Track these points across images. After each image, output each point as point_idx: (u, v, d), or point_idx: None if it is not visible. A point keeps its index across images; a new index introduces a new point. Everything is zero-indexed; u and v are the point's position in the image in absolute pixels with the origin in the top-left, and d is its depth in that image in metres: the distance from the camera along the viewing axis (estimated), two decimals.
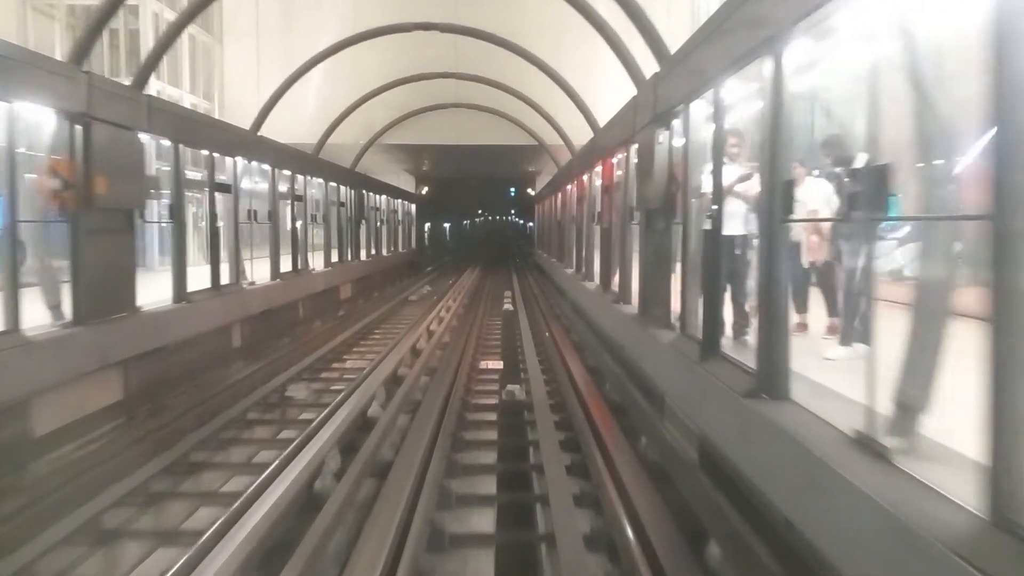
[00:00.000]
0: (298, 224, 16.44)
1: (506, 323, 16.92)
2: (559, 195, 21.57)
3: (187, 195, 12.45)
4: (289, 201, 16.29)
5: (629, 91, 9.66)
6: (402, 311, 20.34)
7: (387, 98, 21.82)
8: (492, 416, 9.07)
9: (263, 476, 6.27)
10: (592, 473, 6.59)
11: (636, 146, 8.93)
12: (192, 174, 14.13)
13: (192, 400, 9.15)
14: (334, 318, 18.31)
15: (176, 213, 10.71)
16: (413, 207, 41.26)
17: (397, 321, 18.19)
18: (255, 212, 13.91)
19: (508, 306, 20.39)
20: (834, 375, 4.74)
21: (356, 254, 23.39)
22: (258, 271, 14.34)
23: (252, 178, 15.04)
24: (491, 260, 44.65)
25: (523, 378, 10.45)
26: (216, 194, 12.10)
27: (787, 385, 4.35)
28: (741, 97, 5.74)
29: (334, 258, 20.29)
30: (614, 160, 11.16)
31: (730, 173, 6.16)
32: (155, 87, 18.96)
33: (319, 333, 15.44)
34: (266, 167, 14.95)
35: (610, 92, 13.80)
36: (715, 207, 5.81)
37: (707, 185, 6.14)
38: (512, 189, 62.30)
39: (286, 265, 15.68)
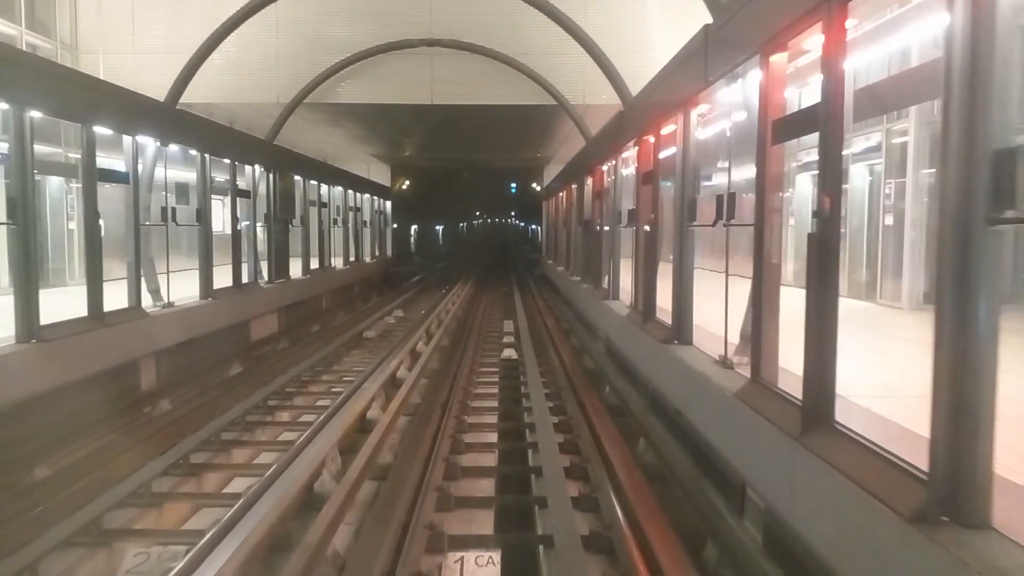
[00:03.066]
0: (101, 224, 8.52)
1: (506, 410, 9.23)
2: (588, 181, 14.03)
3: None
4: (88, 180, 8.43)
5: None
6: (343, 362, 12.72)
7: (330, 39, 14.53)
8: None
9: None
10: None
11: None
12: None
13: None
14: (219, 384, 10.78)
15: None
16: (388, 204, 33.01)
17: (327, 389, 10.78)
18: None
19: (510, 352, 13.33)
20: None
21: (282, 270, 15.60)
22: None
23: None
24: (488, 270, 37.20)
25: None
26: None
27: None
28: None
29: (224, 281, 12.35)
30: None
31: None
32: None
33: (155, 433, 7.80)
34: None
35: None
36: None
37: None
38: (513, 185, 54.46)
39: (74, 305, 7.94)
